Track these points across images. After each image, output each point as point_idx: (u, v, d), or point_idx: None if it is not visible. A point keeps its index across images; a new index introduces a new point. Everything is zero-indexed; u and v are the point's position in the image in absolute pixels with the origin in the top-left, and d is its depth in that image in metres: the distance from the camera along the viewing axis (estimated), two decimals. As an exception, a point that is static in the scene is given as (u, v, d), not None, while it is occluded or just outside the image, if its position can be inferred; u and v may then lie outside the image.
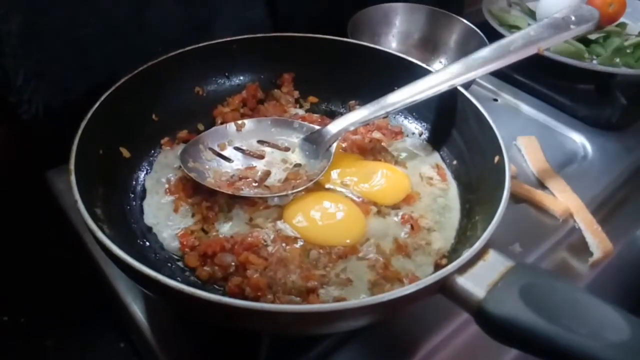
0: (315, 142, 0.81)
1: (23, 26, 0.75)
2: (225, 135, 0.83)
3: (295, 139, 0.84)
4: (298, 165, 0.81)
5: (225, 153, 0.81)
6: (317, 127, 0.83)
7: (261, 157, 0.82)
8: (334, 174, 0.80)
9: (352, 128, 0.80)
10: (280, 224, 0.72)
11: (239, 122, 0.84)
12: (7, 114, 0.81)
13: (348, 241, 0.71)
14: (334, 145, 0.80)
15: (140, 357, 0.73)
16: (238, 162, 0.80)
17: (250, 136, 0.84)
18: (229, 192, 0.74)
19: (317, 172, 0.78)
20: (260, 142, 0.84)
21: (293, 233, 0.71)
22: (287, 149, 0.83)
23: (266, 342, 0.63)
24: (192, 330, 0.67)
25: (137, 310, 0.69)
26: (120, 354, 0.74)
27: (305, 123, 0.86)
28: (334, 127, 0.80)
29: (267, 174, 0.78)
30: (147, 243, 0.71)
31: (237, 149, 0.82)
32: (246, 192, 0.75)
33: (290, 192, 0.75)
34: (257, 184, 0.77)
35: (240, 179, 0.77)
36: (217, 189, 0.74)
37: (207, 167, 0.79)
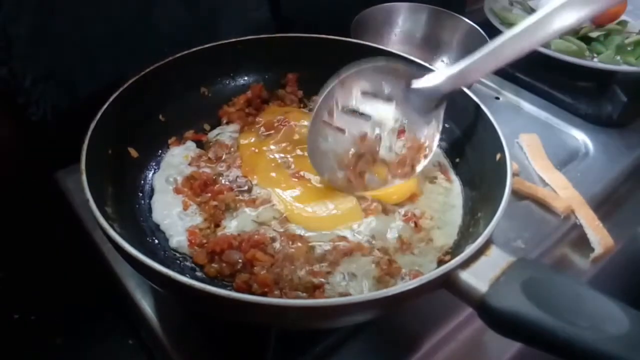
0: (421, 95, 0.74)
1: (31, 29, 0.76)
2: (332, 96, 0.74)
3: (399, 86, 0.75)
4: (403, 123, 0.76)
5: (336, 122, 0.75)
6: (426, 73, 0.74)
7: (368, 116, 0.76)
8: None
9: (469, 81, 0.76)
10: (285, 221, 0.73)
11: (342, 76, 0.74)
12: (17, 115, 0.82)
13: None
14: (444, 105, 0.75)
15: (149, 353, 0.74)
16: (351, 130, 0.75)
17: (353, 87, 0.75)
18: (360, 192, 0.76)
19: (426, 142, 0.76)
20: (364, 93, 0.75)
21: (299, 229, 0.72)
22: (389, 99, 0.76)
23: (274, 336, 0.64)
24: (201, 326, 0.68)
25: (147, 306, 0.71)
26: (129, 350, 0.76)
27: (414, 62, 0.82)
28: (445, 80, 0.72)
29: (378, 142, 0.76)
30: (156, 241, 0.72)
31: (345, 111, 0.75)
32: (370, 180, 0.76)
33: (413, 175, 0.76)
34: (374, 160, 0.76)
35: (360, 156, 0.76)
36: (349, 192, 0.76)
37: (326, 151, 0.75)
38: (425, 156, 0.76)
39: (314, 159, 0.75)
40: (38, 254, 0.84)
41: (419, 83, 0.73)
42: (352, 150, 0.76)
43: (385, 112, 0.76)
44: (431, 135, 0.76)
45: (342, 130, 0.75)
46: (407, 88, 0.74)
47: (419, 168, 0.76)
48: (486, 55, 0.67)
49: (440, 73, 0.72)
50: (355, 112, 0.76)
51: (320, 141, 0.75)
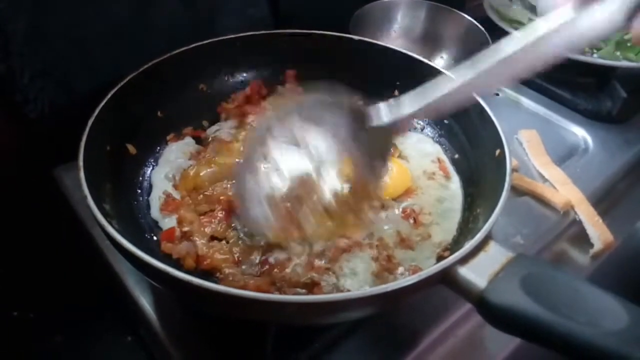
0: (369, 134, 0.62)
1: (29, 26, 0.76)
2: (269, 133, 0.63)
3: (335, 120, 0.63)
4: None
5: (273, 155, 0.63)
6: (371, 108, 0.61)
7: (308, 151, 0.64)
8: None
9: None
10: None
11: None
12: (14, 112, 0.82)
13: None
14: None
15: (148, 349, 0.74)
16: (286, 167, 0.63)
17: (292, 117, 0.63)
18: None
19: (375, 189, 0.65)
20: (304, 130, 0.64)
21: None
22: (335, 137, 0.64)
23: (272, 333, 0.64)
24: (200, 322, 0.68)
25: (146, 303, 0.70)
26: (127, 347, 0.76)
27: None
28: (394, 120, 0.60)
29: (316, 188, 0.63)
30: (155, 237, 0.72)
31: (281, 149, 0.63)
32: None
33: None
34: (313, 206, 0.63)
35: (295, 202, 0.63)
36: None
37: (259, 192, 0.63)
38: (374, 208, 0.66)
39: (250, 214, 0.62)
40: (37, 251, 0.84)
41: (369, 121, 0.61)
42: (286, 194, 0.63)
43: (329, 152, 0.64)
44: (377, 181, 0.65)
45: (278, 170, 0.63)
46: (355, 126, 0.62)
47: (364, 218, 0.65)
48: (439, 98, 0.57)
49: (389, 110, 0.60)
50: (293, 151, 0.63)
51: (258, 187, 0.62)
